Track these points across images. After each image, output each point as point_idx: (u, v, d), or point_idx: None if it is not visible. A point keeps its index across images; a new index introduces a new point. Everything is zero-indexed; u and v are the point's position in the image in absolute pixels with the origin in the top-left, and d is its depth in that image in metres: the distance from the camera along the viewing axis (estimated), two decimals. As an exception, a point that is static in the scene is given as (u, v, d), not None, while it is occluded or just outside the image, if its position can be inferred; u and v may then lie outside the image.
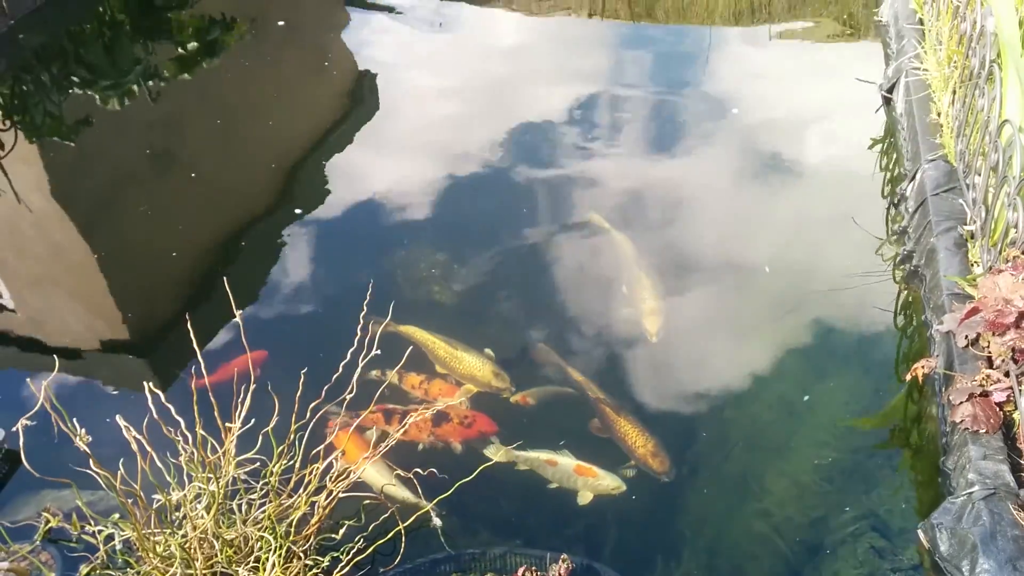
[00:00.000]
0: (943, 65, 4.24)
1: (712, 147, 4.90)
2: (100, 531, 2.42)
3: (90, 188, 4.82)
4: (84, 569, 2.42)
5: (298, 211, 4.48)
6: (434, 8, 6.58)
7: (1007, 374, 2.73)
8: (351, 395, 2.48)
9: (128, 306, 4.10)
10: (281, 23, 6.32)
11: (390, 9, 6.56)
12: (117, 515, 2.48)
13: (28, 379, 2.39)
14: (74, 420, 2.29)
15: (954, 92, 4.00)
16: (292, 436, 2.51)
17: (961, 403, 2.69)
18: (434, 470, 2.60)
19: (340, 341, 2.64)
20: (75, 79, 5.61)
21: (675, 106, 5.33)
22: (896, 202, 4.09)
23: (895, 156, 4.51)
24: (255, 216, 4.58)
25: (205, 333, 3.62)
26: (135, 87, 5.47)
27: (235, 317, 2.47)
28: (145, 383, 2.38)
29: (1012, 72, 3.25)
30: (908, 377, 2.97)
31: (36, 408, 2.18)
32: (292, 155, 5.04)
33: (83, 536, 2.52)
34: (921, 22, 4.78)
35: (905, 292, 3.67)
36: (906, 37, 4.72)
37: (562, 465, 2.99)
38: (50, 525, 2.63)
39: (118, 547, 2.40)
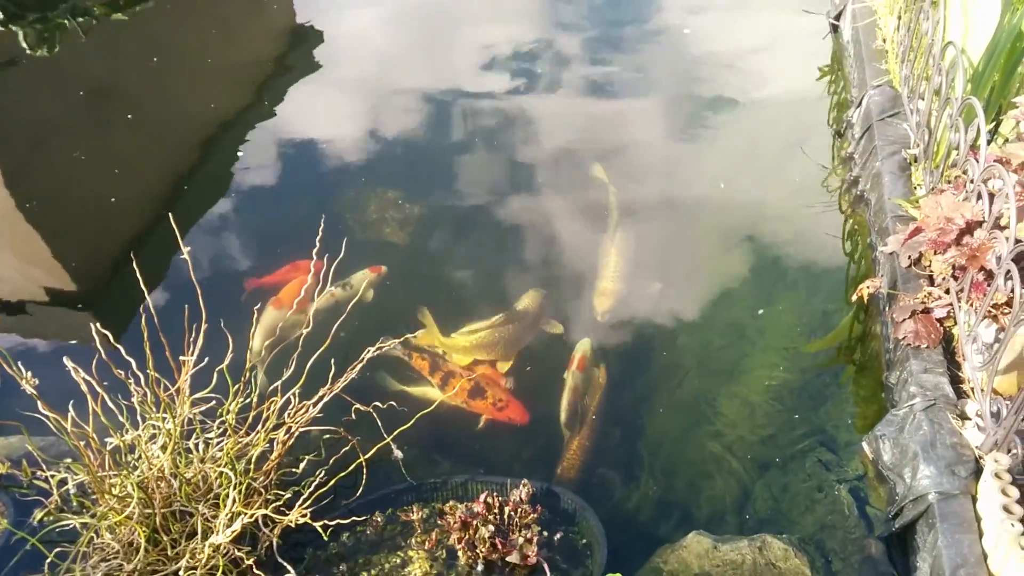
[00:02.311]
0: (888, -10, 4.26)
1: (664, 74, 4.90)
2: (52, 476, 2.39)
3: (20, 132, 4.62)
4: (38, 513, 2.39)
5: (240, 153, 4.37)
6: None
7: (947, 291, 2.82)
8: (307, 329, 2.45)
9: (68, 254, 3.96)
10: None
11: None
12: (69, 459, 2.44)
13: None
14: (18, 364, 2.23)
15: (899, 18, 4.03)
16: (247, 373, 2.48)
17: (904, 320, 2.77)
18: (393, 403, 2.60)
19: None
20: (-1, 14, 5.34)
21: (629, 31, 5.30)
22: (842, 130, 4.14)
23: (842, 84, 4.55)
24: (195, 158, 4.45)
25: (151, 276, 3.54)
26: (65, 21, 5.23)
27: (182, 253, 2.41)
28: (92, 325, 2.32)
29: (955, -5, 3.27)
30: (854, 298, 3.04)
31: (-22, 351, 2.12)
32: (232, 94, 4.89)
33: (35, 481, 2.49)
34: (867, -53, 4.78)
35: (851, 218, 3.74)
36: (852, -37, 4.72)
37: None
38: (-1, 472, 2.59)
39: (72, 491, 2.37)
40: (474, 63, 5.05)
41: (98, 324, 2.37)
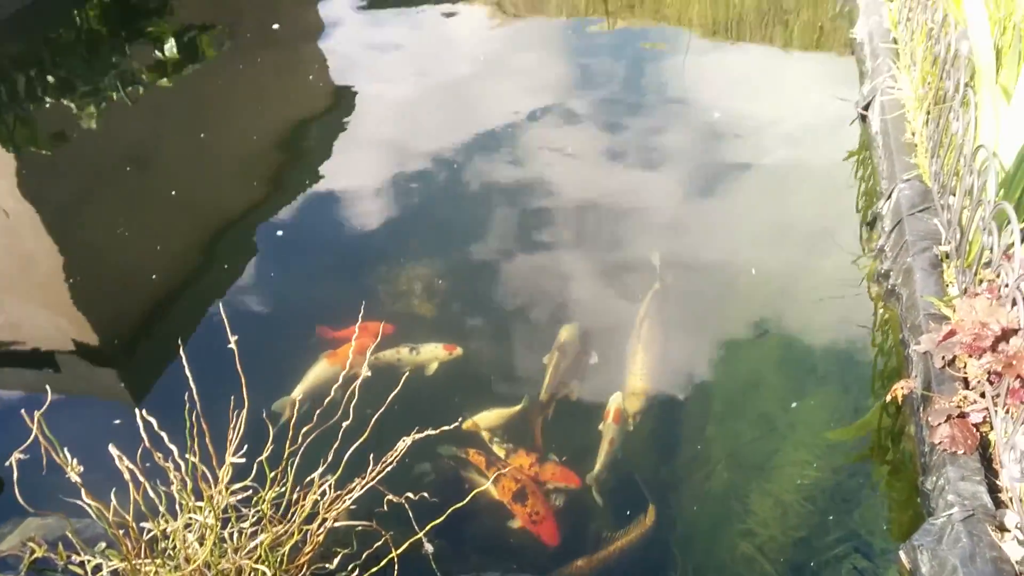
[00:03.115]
0: (917, 85, 4.33)
1: (695, 154, 4.99)
2: (88, 560, 2.40)
3: (65, 195, 4.77)
4: (73, 599, 2.40)
5: (274, 219, 4.48)
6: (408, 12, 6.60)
7: (983, 395, 2.81)
8: (347, 423, 2.48)
9: (101, 315, 4.07)
10: (257, 31, 6.29)
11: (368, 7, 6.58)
12: (104, 544, 2.46)
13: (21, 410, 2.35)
14: (64, 450, 2.27)
15: (928, 113, 4.09)
16: (284, 463, 2.51)
17: (939, 424, 2.76)
18: (425, 494, 2.61)
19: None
20: (51, 87, 5.55)
21: (658, 111, 5.40)
22: (872, 220, 4.17)
23: (870, 169, 4.61)
24: (231, 224, 4.57)
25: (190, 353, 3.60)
26: (113, 94, 5.44)
27: (230, 343, 2.46)
28: (137, 412, 2.37)
29: (987, 97, 3.33)
30: (888, 398, 3.03)
31: (29, 440, 2.16)
32: (268, 162, 5.03)
33: (70, 566, 2.50)
34: (895, 41, 4.88)
35: (882, 310, 3.75)
36: (881, 56, 4.82)
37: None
38: (35, 556, 2.60)
39: (107, 577, 2.38)
40: (502, 137, 5.17)
41: (140, 411, 2.41)
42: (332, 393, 2.60)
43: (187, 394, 2.40)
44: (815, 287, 3.96)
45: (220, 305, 2.71)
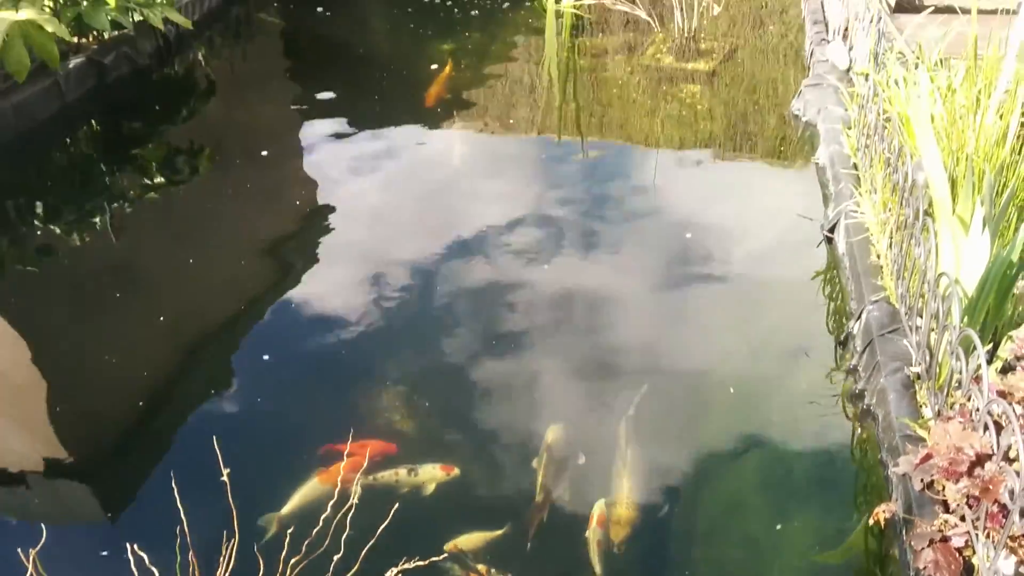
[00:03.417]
0: (879, 210, 4.56)
1: (667, 271, 5.15)
2: None
3: (47, 312, 4.79)
4: None
5: (259, 338, 4.52)
6: (390, 131, 6.84)
7: (963, 518, 2.88)
8: (338, 556, 2.48)
9: (85, 439, 4.03)
10: (242, 154, 6.50)
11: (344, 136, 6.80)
12: None
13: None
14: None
15: (891, 237, 4.30)
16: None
17: (922, 549, 2.81)
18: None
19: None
20: (41, 214, 5.68)
21: (630, 229, 5.59)
22: (844, 340, 4.32)
23: (839, 289, 4.78)
24: (215, 345, 4.59)
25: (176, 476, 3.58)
26: (99, 219, 5.56)
27: (222, 476, 2.48)
28: (128, 545, 2.35)
29: (945, 227, 3.53)
30: (871, 522, 3.09)
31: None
32: (252, 281, 5.11)
33: None
34: (856, 167, 5.16)
35: (860, 429, 3.84)
36: (843, 181, 5.09)
37: None
38: None
39: None
40: (479, 249, 5.30)
41: (132, 546, 2.39)
42: (322, 517, 2.60)
43: (177, 527, 2.39)
44: (792, 406, 4.05)
45: (207, 427, 2.71)
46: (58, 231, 5.44)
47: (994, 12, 6.66)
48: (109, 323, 4.71)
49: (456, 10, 9.03)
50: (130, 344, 4.53)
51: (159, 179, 6.11)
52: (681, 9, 7.59)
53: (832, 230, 5.03)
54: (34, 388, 4.30)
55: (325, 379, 4.30)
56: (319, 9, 9.24)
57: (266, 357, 4.42)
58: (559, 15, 8.70)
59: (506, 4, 9.04)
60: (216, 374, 4.33)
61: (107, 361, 4.41)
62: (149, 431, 3.97)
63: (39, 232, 5.49)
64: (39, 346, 4.55)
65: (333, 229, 5.60)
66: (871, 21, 5.61)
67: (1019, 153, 3.95)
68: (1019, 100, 4.14)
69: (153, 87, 7.60)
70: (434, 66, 7.81)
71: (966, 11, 5.45)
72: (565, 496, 3.56)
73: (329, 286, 5.01)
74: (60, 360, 4.47)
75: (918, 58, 4.91)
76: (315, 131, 6.87)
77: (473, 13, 8.91)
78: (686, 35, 7.61)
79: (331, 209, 5.82)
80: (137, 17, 7.28)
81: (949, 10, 6.01)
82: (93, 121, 6.96)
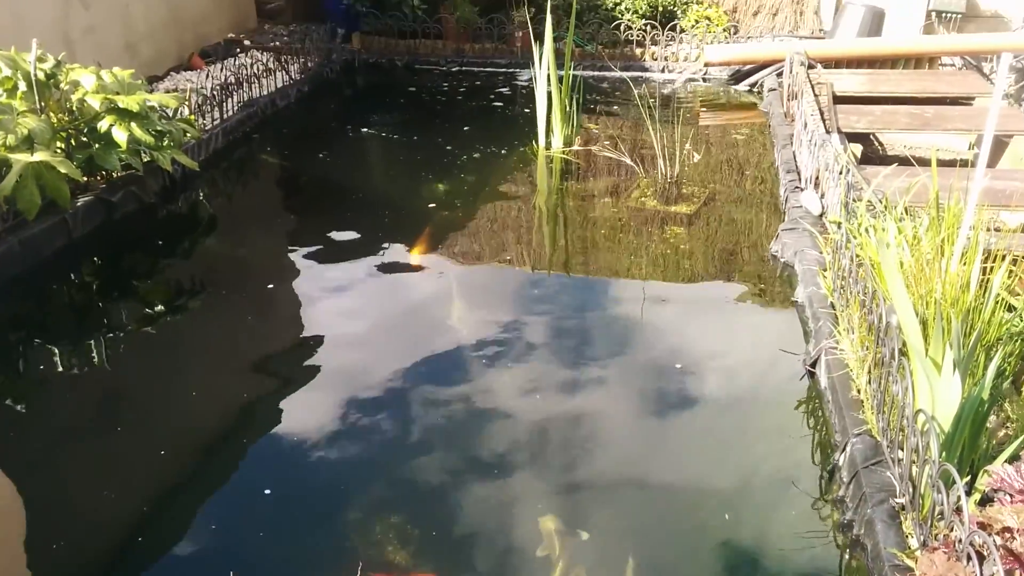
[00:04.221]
0: (857, 348, 4.85)
1: (655, 401, 5.36)
2: None
3: (34, 447, 4.88)
4: None
5: (252, 479, 4.63)
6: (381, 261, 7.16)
7: (954, 648, 3.00)
8: None
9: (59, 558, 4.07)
10: (239, 287, 6.79)
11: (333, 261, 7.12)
12: None
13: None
14: None
15: (870, 373, 4.57)
16: None
17: None
18: None
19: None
20: (39, 347, 5.84)
21: (613, 360, 5.82)
22: (831, 471, 4.50)
23: (822, 421, 5.00)
24: (206, 480, 4.69)
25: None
26: (96, 351, 5.75)
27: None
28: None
29: (919, 368, 3.80)
30: (867, 651, 3.19)
31: None
32: (245, 414, 5.26)
33: None
34: (833, 307, 5.49)
35: (850, 558, 3.97)
36: (821, 319, 5.40)
37: None
38: None
39: None
40: (460, 375, 5.49)
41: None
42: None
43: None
44: (784, 536, 4.19)
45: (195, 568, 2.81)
46: (57, 362, 5.60)
47: (953, 164, 7.25)
48: (100, 454, 4.81)
49: (454, 155, 9.59)
50: (121, 477, 4.61)
51: (158, 310, 6.34)
52: (663, 156, 8.12)
53: (814, 365, 5.29)
54: (14, 520, 4.33)
55: (320, 511, 4.39)
56: (320, 155, 9.78)
57: (267, 491, 4.51)
58: (549, 160, 9.28)
59: (503, 150, 9.62)
60: (210, 508, 4.41)
61: (96, 495, 4.47)
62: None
63: (37, 364, 5.65)
64: (24, 480, 4.60)
65: (325, 359, 5.79)
66: (840, 172, 6.10)
67: (983, 297, 4.29)
68: (980, 248, 4.52)
69: (158, 223, 7.93)
70: (432, 204, 8.26)
71: (925, 163, 5.95)
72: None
73: (318, 416, 5.16)
74: (44, 494, 4.51)
75: (885, 208, 5.34)
76: (309, 265, 7.17)
77: (468, 158, 9.46)
78: (669, 180, 8.12)
79: (323, 340, 6.04)
80: (146, 159, 7.66)
81: (910, 162, 6.54)
82: (97, 256, 7.22)
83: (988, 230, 4.55)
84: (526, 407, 5.25)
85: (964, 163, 7.45)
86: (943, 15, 10.47)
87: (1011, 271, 4.55)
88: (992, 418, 3.91)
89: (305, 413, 5.21)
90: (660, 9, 12.13)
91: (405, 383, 5.49)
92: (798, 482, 4.59)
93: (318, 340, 6.04)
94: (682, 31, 12.04)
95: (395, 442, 4.94)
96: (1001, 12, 10.88)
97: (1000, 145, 7.67)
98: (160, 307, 6.37)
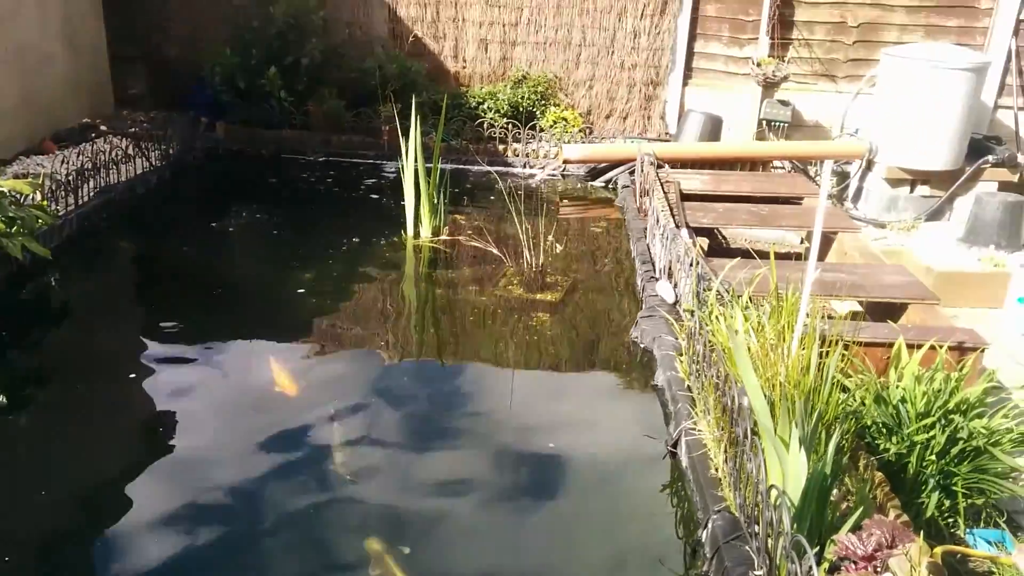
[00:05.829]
0: (714, 428, 5.18)
1: (523, 487, 5.46)
2: None
3: None
4: None
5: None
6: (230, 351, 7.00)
7: None
8: None
9: None
10: (86, 377, 6.54)
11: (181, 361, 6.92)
12: None
13: None
14: None
15: (726, 452, 4.88)
16: None
17: None
18: None
19: None
20: None
21: (481, 445, 5.93)
22: (694, 548, 4.73)
23: (685, 499, 5.25)
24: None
25: None
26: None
27: None
28: None
29: (770, 446, 4.12)
30: None
31: None
32: (87, 508, 5.05)
33: None
34: (690, 390, 5.84)
35: (716, 633, 4.16)
36: (680, 402, 5.73)
37: None
38: None
39: None
40: (319, 476, 5.42)
41: None
42: None
43: None
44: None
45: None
46: None
47: (788, 257, 7.95)
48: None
49: (322, 244, 9.62)
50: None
51: (-1, 403, 5.97)
52: (528, 247, 8.47)
53: (675, 445, 5.58)
54: None
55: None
56: (180, 242, 9.57)
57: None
58: (418, 250, 9.45)
59: (372, 239, 9.73)
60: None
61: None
62: None
63: None
64: None
65: (170, 452, 5.62)
66: (690, 265, 6.57)
67: (821, 379, 4.71)
68: (816, 333, 4.99)
69: (2, 313, 7.47)
70: (300, 290, 8.20)
71: (765, 255, 6.51)
72: None
73: (162, 508, 4.99)
74: None
75: (732, 297, 5.79)
76: (159, 356, 6.92)
77: (335, 248, 9.49)
78: (534, 269, 8.44)
79: (171, 431, 5.85)
80: (-5, 246, 7.27)
81: (752, 255, 7.13)
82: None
83: (822, 318, 5.02)
84: (388, 495, 5.23)
85: (798, 256, 8.23)
86: (772, 123, 11.64)
87: (843, 355, 5.03)
88: (835, 491, 4.26)
89: (149, 505, 5.00)
90: (521, 109, 12.74)
91: (250, 475, 5.35)
92: (665, 560, 4.79)
93: (167, 431, 5.82)
94: (542, 130, 12.71)
95: (238, 541, 4.80)
96: (821, 122, 12.28)
97: (827, 240, 8.48)
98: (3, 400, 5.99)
